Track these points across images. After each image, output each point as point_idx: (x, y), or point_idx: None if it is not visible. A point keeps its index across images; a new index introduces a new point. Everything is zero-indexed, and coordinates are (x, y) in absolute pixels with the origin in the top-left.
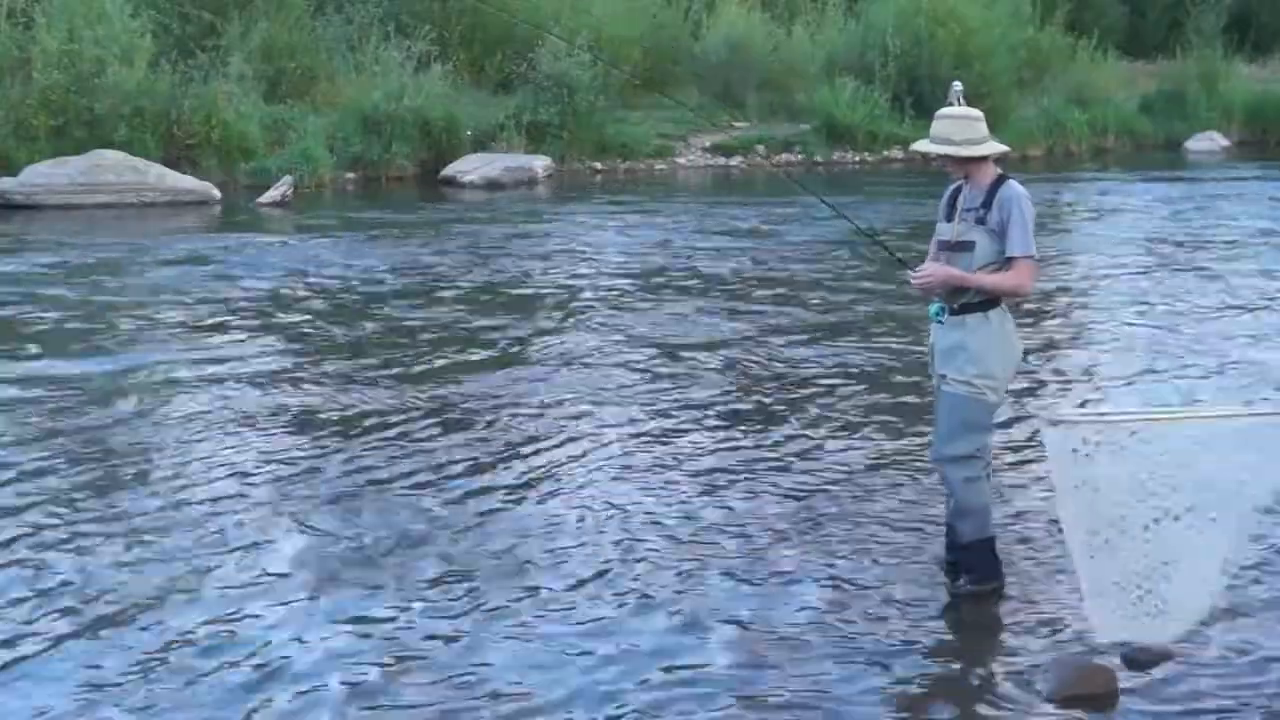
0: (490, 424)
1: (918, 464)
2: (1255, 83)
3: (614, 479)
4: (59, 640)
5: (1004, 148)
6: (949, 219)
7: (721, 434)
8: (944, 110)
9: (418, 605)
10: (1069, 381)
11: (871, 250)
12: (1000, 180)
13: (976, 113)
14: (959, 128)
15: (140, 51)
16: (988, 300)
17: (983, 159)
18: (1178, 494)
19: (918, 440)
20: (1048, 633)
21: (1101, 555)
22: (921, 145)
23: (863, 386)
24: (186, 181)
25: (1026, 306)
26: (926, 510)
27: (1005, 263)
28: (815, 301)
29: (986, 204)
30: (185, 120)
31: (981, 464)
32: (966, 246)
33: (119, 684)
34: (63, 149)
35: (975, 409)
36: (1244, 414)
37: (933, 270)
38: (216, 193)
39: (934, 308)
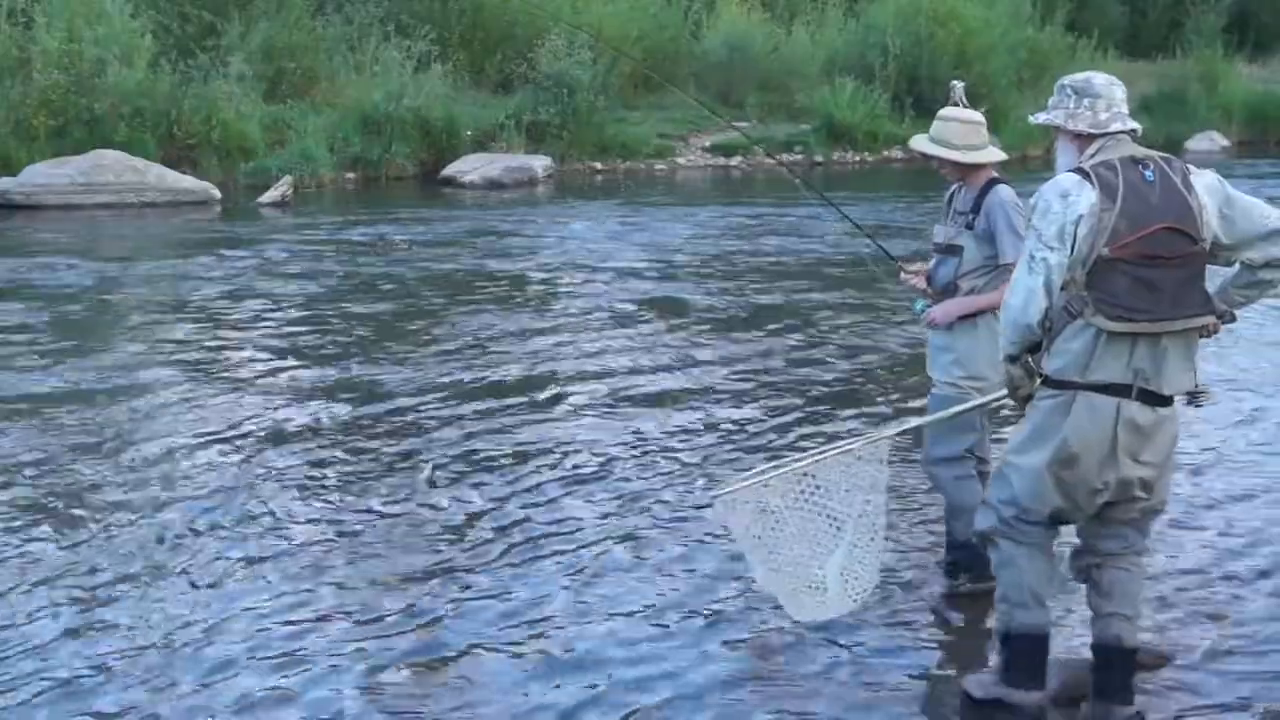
0: (490, 424)
1: (915, 461)
2: (1255, 83)
3: (612, 479)
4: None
5: (1002, 156)
6: (944, 221)
7: (726, 431)
8: (950, 111)
9: (415, 605)
10: None
11: (868, 247)
12: (989, 186)
13: (980, 118)
14: (961, 133)
15: (140, 51)
16: None
17: (979, 165)
18: (821, 511)
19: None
20: None
21: (778, 566)
22: (920, 144)
23: (866, 384)
24: (186, 181)
25: None
26: (926, 510)
27: (1002, 269)
28: (816, 298)
29: (975, 209)
30: (185, 120)
31: (971, 463)
32: (955, 250)
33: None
34: (63, 149)
35: None
36: (834, 452)
37: (944, 311)
38: (216, 193)
39: (919, 304)
